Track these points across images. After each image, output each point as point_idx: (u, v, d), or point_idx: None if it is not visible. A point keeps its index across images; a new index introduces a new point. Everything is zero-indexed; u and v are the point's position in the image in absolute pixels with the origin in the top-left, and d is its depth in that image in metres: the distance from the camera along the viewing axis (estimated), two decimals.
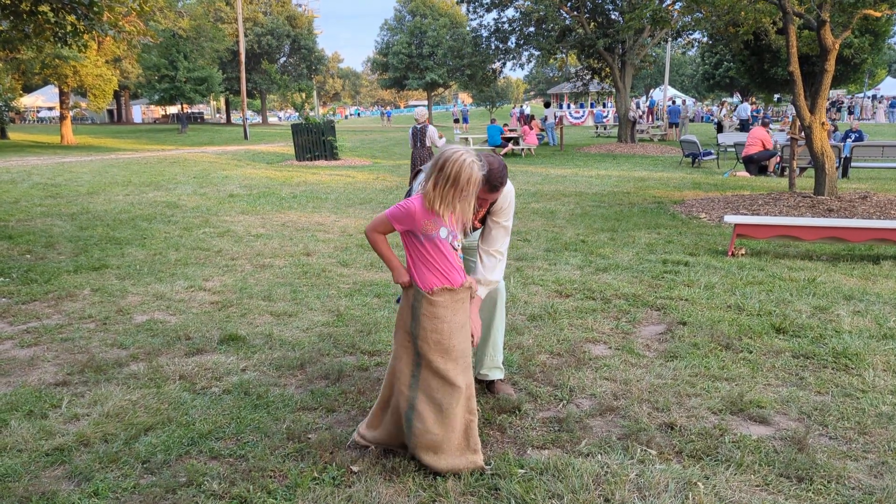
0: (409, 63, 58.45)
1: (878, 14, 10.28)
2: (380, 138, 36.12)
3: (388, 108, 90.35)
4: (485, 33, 28.65)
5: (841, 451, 3.24)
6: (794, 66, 10.34)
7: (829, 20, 9.96)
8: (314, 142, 20.72)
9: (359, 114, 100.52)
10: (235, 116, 67.73)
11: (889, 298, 5.71)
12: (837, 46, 10.11)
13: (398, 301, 3.19)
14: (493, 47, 28.32)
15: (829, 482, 2.96)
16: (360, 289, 6.26)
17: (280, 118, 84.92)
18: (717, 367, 4.29)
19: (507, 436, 3.44)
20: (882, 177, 15.25)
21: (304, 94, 21.97)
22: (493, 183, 3.33)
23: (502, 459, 3.16)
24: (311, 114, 22.11)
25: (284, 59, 62.98)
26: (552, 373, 4.25)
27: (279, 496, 2.88)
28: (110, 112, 63.61)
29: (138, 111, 70.44)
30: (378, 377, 4.17)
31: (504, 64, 30.27)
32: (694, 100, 57.48)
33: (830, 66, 10.14)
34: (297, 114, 22.53)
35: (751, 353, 4.53)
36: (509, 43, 27.94)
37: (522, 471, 3.05)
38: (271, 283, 6.53)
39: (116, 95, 55.59)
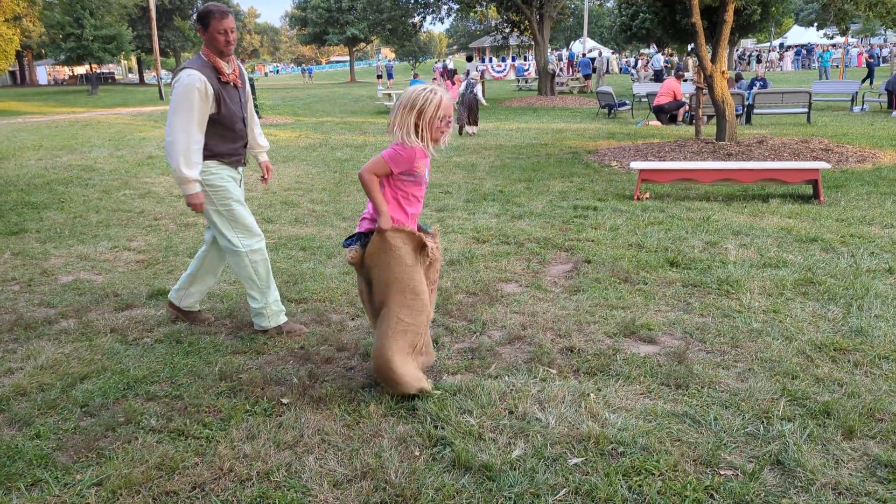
0: (328, 18, 57.28)
1: None
2: (301, 95, 35.56)
3: (310, 64, 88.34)
4: None
5: (715, 362, 3.71)
6: (696, 18, 10.86)
7: None
8: None
9: (278, 71, 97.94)
10: (149, 76, 65.06)
11: (773, 232, 6.29)
12: None
13: (347, 244, 3.38)
14: (413, 1, 28.14)
15: (702, 388, 3.42)
16: (286, 243, 6.45)
17: None
18: (615, 297, 4.73)
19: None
20: (782, 122, 16.18)
21: None
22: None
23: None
24: None
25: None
26: (467, 310, 4.60)
27: (214, 427, 3.14)
28: (12, 74, 60.15)
29: (43, 72, 66.85)
30: (303, 321, 4.44)
31: (424, 18, 30.14)
32: (612, 51, 58.45)
33: (729, 17, 10.70)
34: None
35: (646, 284, 4.99)
36: None
37: (438, 392, 3.39)
38: (196, 240, 6.65)
39: (18, 56, 52.56)
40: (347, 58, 66.15)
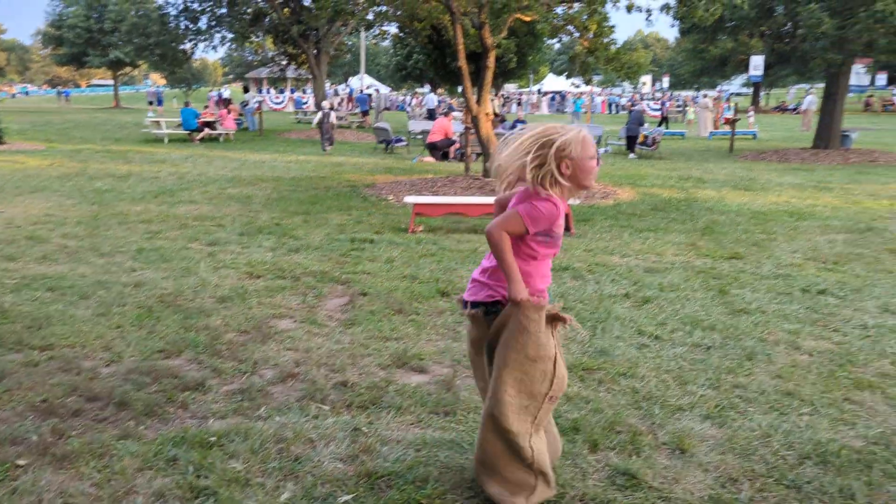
0: (88, 38, 52.82)
1: (527, 18, 11.91)
2: (56, 120, 32.31)
3: (66, 87, 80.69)
4: (173, 11, 27.14)
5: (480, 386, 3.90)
6: (462, 62, 11.57)
7: (487, 22, 11.30)
8: None
9: (27, 92, 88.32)
10: None
11: None
12: (494, 45, 11.53)
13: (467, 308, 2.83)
14: (183, 27, 26.95)
15: (468, 413, 3.58)
16: (30, 283, 5.77)
17: None
18: (389, 329, 4.82)
19: (190, 411, 3.56)
20: None
21: None
22: None
23: (183, 433, 3.28)
24: None
25: None
26: (238, 349, 4.42)
27: None
28: None
29: None
30: (48, 370, 3.98)
31: (196, 45, 28.98)
32: (389, 88, 60.33)
33: (491, 62, 11.54)
34: None
35: (419, 315, 5.15)
36: (200, 23, 26.81)
37: (206, 438, 3.20)
38: None
39: None
40: (111, 81, 61.44)
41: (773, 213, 9.60)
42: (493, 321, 2.74)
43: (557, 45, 57.23)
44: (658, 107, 39.09)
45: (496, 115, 17.02)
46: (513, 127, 20.15)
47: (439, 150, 17.64)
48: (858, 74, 24.48)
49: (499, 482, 2.74)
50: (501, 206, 2.80)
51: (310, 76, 29.38)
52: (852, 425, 3.46)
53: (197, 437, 3.22)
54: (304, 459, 3.07)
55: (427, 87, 38.73)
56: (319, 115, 19.94)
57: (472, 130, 12.97)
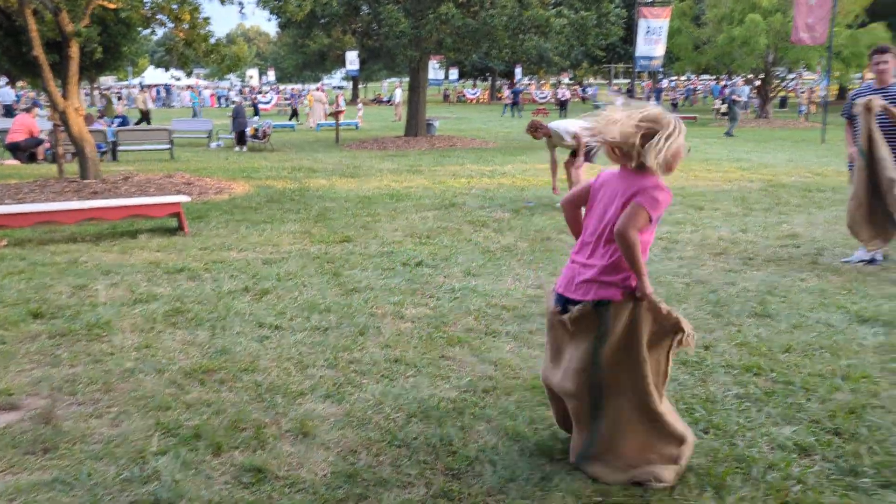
0: None
1: (112, 5, 10.96)
2: None
3: None
4: None
5: (87, 413, 3.54)
6: (39, 52, 10.20)
7: (64, 7, 10.12)
8: None
9: None
10: None
11: (142, 267, 6.36)
12: (75, 33, 10.40)
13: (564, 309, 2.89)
14: None
15: (73, 445, 3.21)
16: None
17: None
18: None
19: None
20: (147, 158, 16.52)
21: None
22: None
23: None
24: None
25: None
26: None
27: None
28: None
29: None
30: None
31: None
32: None
33: (74, 52, 10.38)
34: None
35: (5, 343, 4.46)
36: None
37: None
38: None
39: None
40: None
41: (376, 196, 10.41)
42: (605, 316, 2.77)
43: (157, 37, 53.91)
44: (267, 100, 39.47)
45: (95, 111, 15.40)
46: (115, 123, 18.41)
47: (24, 150, 15.39)
48: (435, 70, 27.78)
49: (647, 463, 2.86)
50: (579, 200, 2.98)
51: None
52: (447, 379, 3.96)
53: None
54: None
55: (2, 80, 33.43)
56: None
57: (63, 128, 11.55)
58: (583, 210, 2.98)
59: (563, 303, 2.90)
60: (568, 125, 8.98)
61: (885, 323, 4.73)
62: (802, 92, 32.03)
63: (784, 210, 8.96)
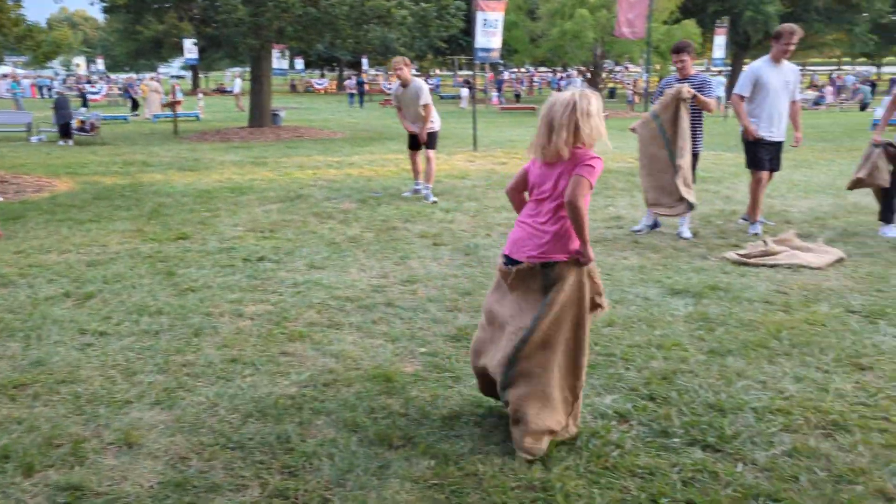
0: None
1: None
2: None
3: None
4: None
5: None
6: None
7: None
8: None
9: None
10: None
11: None
12: None
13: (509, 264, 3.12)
14: None
15: None
16: None
17: None
18: None
19: None
20: None
21: None
22: None
23: None
24: None
25: None
26: None
27: None
28: None
29: None
30: None
31: None
32: None
33: None
34: None
35: None
36: None
37: None
38: None
39: None
40: None
41: (216, 190, 10.00)
42: (549, 275, 2.99)
43: None
44: (96, 90, 36.89)
45: None
46: None
47: None
48: (279, 59, 27.01)
49: (552, 414, 3.04)
50: (521, 186, 3.21)
51: None
52: (287, 375, 3.88)
53: None
54: None
55: None
56: None
57: None
58: (526, 195, 3.21)
59: (511, 263, 3.11)
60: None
61: (694, 294, 5.18)
62: (629, 83, 34.28)
63: (609, 194, 9.54)
